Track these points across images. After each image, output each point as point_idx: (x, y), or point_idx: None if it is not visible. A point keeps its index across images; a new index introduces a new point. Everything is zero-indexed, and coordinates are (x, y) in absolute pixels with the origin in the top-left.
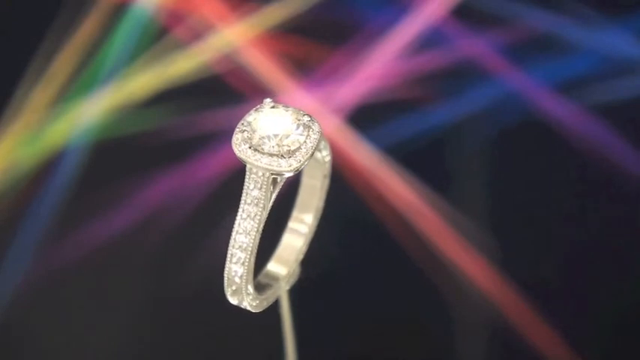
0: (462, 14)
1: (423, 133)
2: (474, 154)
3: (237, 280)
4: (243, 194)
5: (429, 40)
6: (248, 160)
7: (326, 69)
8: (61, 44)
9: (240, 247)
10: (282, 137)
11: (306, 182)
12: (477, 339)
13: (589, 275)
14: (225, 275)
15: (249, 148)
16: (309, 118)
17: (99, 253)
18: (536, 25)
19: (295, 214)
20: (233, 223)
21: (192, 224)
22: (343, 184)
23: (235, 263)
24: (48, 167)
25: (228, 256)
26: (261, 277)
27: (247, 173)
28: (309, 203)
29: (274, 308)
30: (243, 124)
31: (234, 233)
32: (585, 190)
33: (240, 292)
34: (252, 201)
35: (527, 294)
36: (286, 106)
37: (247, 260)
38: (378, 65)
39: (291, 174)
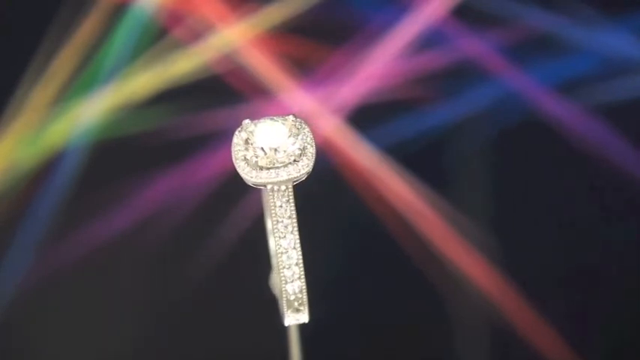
0: (462, 14)
1: (423, 133)
2: (474, 155)
3: (299, 295)
4: (272, 215)
5: (429, 40)
6: (268, 181)
7: (326, 69)
8: (61, 44)
9: (290, 264)
10: (285, 144)
11: None
12: (477, 339)
13: (589, 275)
14: (284, 298)
15: (262, 169)
16: (294, 117)
17: (99, 253)
18: (536, 25)
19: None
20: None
21: (192, 224)
22: (343, 184)
23: (292, 282)
24: (48, 167)
25: (282, 279)
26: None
27: (270, 194)
28: None
29: (275, 309)
30: (238, 151)
31: (278, 256)
32: (585, 190)
33: (302, 305)
34: (283, 217)
35: (528, 294)
36: (265, 118)
37: (301, 273)
38: (378, 65)
39: (308, 173)
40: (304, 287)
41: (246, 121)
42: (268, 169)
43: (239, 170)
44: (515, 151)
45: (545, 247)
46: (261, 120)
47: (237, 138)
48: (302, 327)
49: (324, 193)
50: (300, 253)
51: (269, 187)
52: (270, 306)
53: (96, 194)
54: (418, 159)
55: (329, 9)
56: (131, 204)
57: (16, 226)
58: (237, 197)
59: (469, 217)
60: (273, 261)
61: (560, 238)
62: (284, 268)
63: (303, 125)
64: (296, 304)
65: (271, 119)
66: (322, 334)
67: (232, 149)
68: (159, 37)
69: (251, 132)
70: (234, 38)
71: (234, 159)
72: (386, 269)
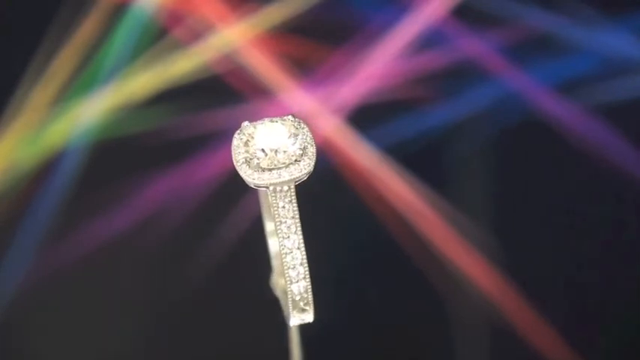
0: (462, 14)
1: (423, 133)
2: (474, 155)
3: (304, 295)
4: (275, 216)
5: (429, 40)
6: (271, 182)
7: (326, 69)
8: (61, 44)
9: (295, 264)
10: (286, 145)
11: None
12: (477, 339)
13: (589, 275)
14: (290, 299)
15: (264, 171)
16: (292, 117)
17: (99, 253)
18: (536, 25)
19: (268, 216)
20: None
21: (192, 224)
22: (343, 184)
23: (297, 282)
24: (48, 167)
25: (287, 280)
26: (284, 297)
27: (272, 194)
28: None
29: (275, 310)
30: (239, 154)
31: (283, 256)
32: (585, 191)
33: (308, 305)
34: (285, 218)
35: (528, 294)
36: (264, 119)
37: (306, 273)
38: (379, 65)
39: (310, 173)
40: (309, 287)
41: (245, 123)
42: (270, 170)
43: (241, 173)
44: (515, 151)
45: (545, 247)
46: (260, 121)
47: (237, 140)
48: (302, 327)
49: (325, 194)
50: (304, 252)
51: (271, 188)
52: (271, 306)
53: (96, 194)
54: (418, 159)
55: (329, 9)
56: (131, 204)
57: (16, 226)
58: (237, 197)
59: (469, 217)
60: (273, 262)
61: (560, 238)
62: (289, 268)
63: (302, 125)
64: (301, 304)
65: (270, 120)
66: (322, 334)
67: (233, 152)
68: (159, 37)
69: (251, 134)
70: (234, 38)
71: (235, 162)
72: (386, 269)
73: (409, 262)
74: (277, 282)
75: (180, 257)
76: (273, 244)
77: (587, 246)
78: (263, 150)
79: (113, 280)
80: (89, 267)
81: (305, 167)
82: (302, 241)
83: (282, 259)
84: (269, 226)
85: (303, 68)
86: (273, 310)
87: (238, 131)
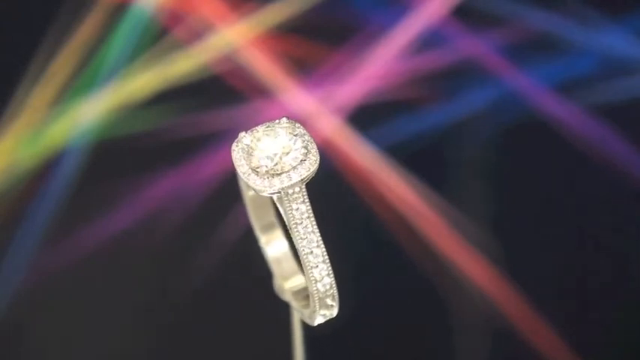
0: (462, 14)
1: (423, 133)
2: (474, 155)
3: (330, 291)
4: (289, 218)
5: (429, 40)
6: (282, 186)
7: (326, 69)
8: (61, 44)
9: (318, 262)
10: (289, 147)
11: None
12: (477, 339)
13: (589, 275)
14: (316, 296)
15: (272, 177)
16: (287, 119)
17: (99, 253)
18: (536, 25)
19: (258, 226)
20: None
21: (192, 224)
22: (343, 185)
23: (320, 281)
24: (48, 167)
25: (311, 280)
26: (296, 299)
27: (285, 197)
28: (264, 207)
29: (275, 310)
30: (243, 165)
31: (304, 257)
32: (585, 190)
33: (334, 301)
34: (301, 219)
35: (528, 294)
36: (259, 127)
37: (329, 270)
38: (379, 65)
39: (316, 171)
40: (334, 282)
41: (242, 134)
42: (279, 174)
43: (250, 183)
44: (515, 151)
45: (545, 247)
46: (257, 128)
47: (237, 152)
48: (303, 326)
49: (324, 194)
50: (324, 249)
51: (282, 192)
52: (271, 306)
53: (96, 194)
54: (418, 159)
55: (329, 9)
56: (131, 204)
57: (16, 225)
58: (237, 197)
59: (469, 217)
60: (273, 267)
61: (560, 238)
62: (312, 268)
63: (298, 125)
64: (328, 300)
65: (266, 126)
66: (322, 334)
67: (235, 164)
68: (159, 37)
69: (249, 144)
70: (234, 38)
71: (241, 173)
72: (386, 269)
73: (409, 261)
74: (282, 286)
75: (180, 257)
76: (270, 251)
77: (587, 246)
78: (267, 157)
79: (113, 280)
80: (89, 267)
81: (312, 165)
82: (320, 238)
83: (302, 260)
84: (263, 238)
85: (303, 68)
86: (273, 309)
87: (236, 142)
